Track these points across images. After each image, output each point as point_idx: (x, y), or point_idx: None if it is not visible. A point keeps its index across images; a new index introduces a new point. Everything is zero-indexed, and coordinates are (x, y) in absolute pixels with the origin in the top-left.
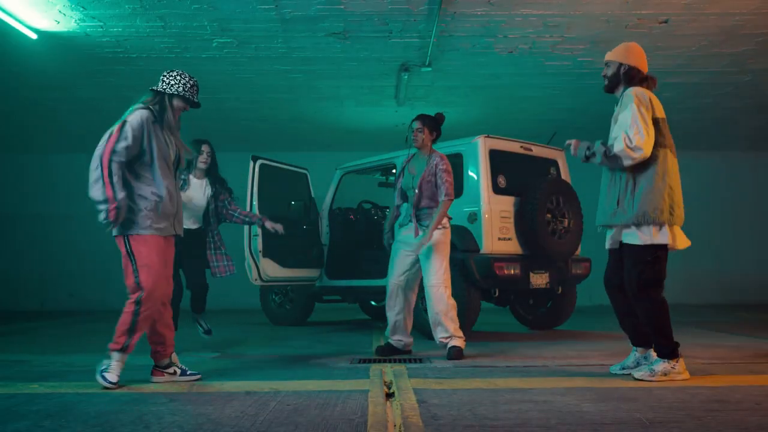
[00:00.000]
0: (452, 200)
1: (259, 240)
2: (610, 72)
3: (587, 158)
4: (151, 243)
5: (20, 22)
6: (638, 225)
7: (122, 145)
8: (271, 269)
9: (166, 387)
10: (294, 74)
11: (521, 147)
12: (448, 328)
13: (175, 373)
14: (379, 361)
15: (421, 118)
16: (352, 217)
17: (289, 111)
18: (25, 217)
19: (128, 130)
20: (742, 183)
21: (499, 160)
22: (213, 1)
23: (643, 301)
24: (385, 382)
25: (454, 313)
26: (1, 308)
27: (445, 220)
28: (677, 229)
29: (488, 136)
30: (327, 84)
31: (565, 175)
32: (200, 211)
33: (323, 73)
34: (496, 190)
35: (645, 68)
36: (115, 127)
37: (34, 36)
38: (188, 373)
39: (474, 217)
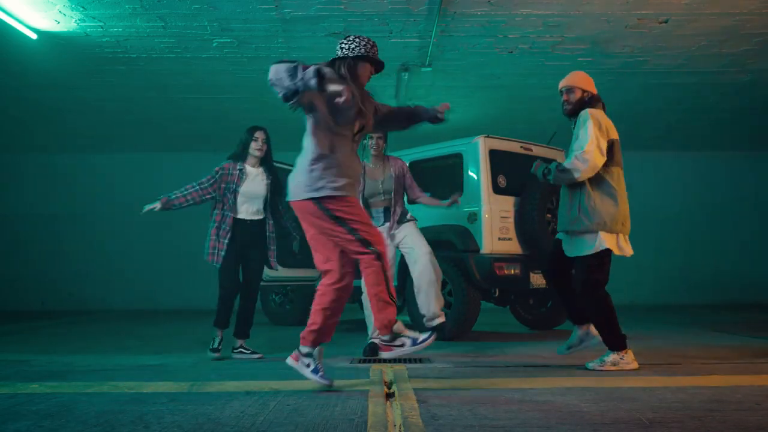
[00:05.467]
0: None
1: None
2: (573, 98)
3: (544, 175)
4: None
5: (20, 22)
6: (594, 232)
7: None
8: (271, 269)
9: (166, 387)
10: None
11: (521, 147)
12: (441, 301)
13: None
14: (379, 361)
15: None
16: None
17: (289, 111)
18: (25, 217)
19: None
20: (742, 183)
21: (499, 160)
22: (213, 1)
23: (590, 301)
24: (385, 382)
25: (439, 285)
26: (1, 308)
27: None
28: (624, 238)
29: (488, 136)
30: None
31: None
32: (261, 201)
33: None
34: (496, 190)
35: (596, 93)
36: None
37: (34, 36)
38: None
39: (474, 217)
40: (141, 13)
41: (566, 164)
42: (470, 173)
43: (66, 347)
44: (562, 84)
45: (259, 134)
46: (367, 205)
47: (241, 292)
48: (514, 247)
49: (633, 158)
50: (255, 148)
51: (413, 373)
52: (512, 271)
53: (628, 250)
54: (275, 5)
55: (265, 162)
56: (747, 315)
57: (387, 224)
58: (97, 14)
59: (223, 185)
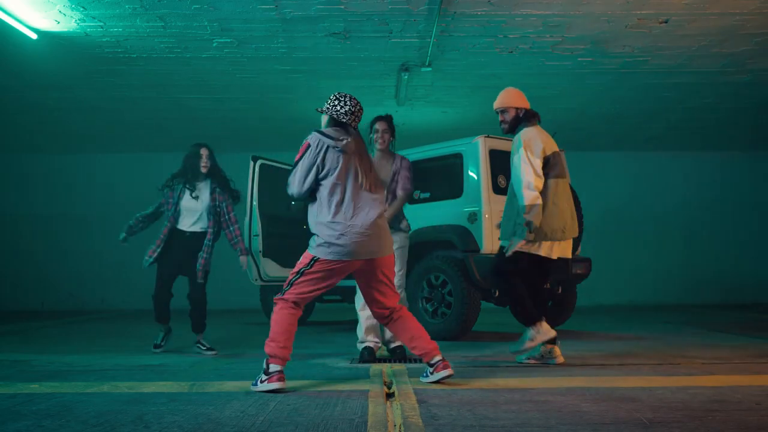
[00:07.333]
0: (410, 195)
1: (260, 240)
2: (509, 117)
3: (528, 227)
4: None
5: (20, 22)
6: (536, 241)
7: None
8: (271, 269)
9: (166, 387)
10: (294, 74)
11: None
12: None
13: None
14: (379, 361)
15: (385, 119)
16: None
17: (289, 111)
18: (25, 217)
19: None
20: (742, 183)
21: (499, 160)
22: (213, 1)
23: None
24: (385, 382)
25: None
26: (1, 308)
27: (405, 224)
28: (566, 243)
29: (488, 136)
30: (327, 84)
31: None
32: (203, 213)
33: (323, 73)
34: (496, 190)
35: (529, 107)
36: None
37: (34, 36)
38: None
39: (474, 217)
40: (141, 13)
41: (525, 202)
42: (470, 173)
43: (66, 347)
44: (495, 105)
45: (203, 151)
46: None
47: (192, 307)
48: None
49: (633, 158)
50: (201, 165)
51: (413, 373)
52: None
53: (562, 254)
54: (275, 5)
55: (212, 176)
56: (747, 315)
57: None
58: (97, 14)
59: None
